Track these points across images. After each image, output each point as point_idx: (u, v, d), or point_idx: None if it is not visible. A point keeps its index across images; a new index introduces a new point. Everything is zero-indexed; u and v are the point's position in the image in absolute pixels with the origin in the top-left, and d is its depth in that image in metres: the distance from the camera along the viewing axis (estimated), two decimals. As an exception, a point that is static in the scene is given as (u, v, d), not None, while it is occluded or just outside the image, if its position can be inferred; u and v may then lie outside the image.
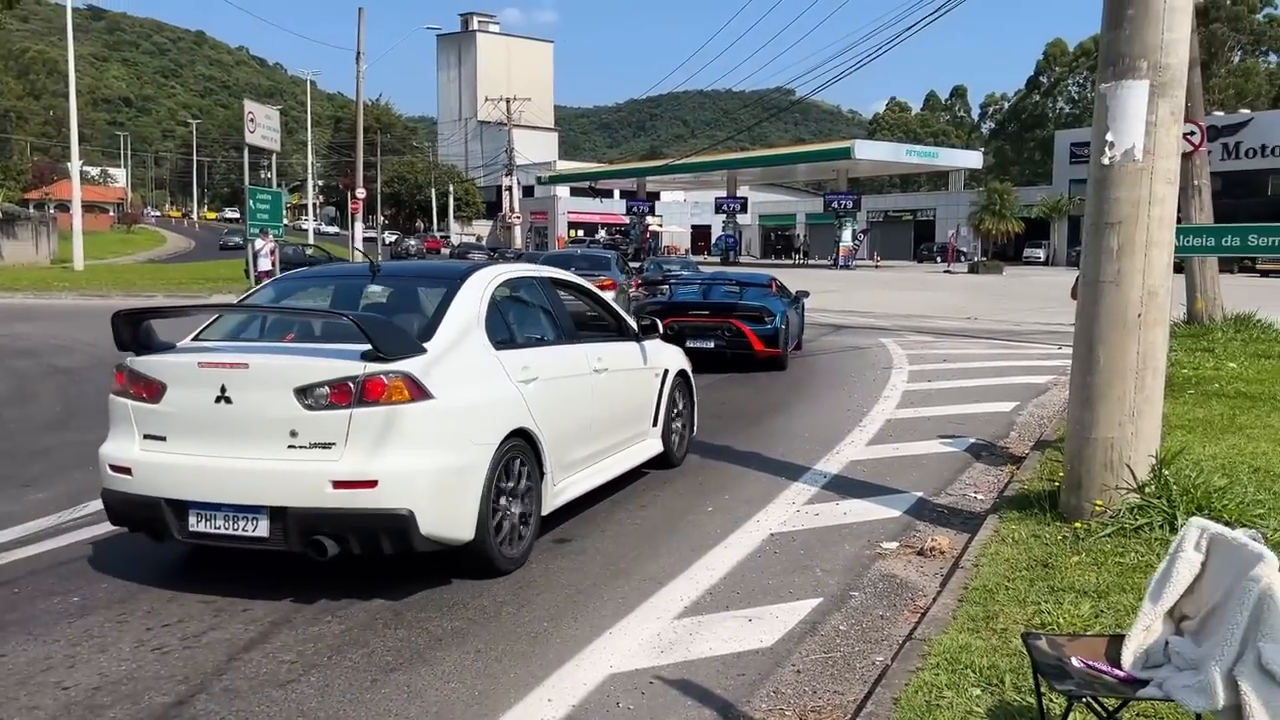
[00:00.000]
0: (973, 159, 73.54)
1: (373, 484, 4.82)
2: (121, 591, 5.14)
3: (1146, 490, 5.82)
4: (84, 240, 41.91)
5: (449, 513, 5.06)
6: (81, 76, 49.80)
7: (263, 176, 52.42)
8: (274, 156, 39.22)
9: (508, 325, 6.06)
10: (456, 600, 5.03)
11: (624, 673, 4.23)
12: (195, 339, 5.69)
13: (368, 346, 4.92)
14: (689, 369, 8.51)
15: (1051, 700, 3.36)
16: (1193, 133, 14.10)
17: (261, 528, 4.92)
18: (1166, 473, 5.90)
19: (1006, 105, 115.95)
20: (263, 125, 35.16)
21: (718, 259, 65.54)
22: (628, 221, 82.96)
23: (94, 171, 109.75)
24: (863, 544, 6.08)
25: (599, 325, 7.64)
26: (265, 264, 28.52)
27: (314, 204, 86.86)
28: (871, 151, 63.00)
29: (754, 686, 4.14)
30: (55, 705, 3.86)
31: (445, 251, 74.09)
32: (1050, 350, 16.56)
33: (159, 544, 5.50)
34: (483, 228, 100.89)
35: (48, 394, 11.73)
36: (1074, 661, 3.01)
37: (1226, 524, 3.99)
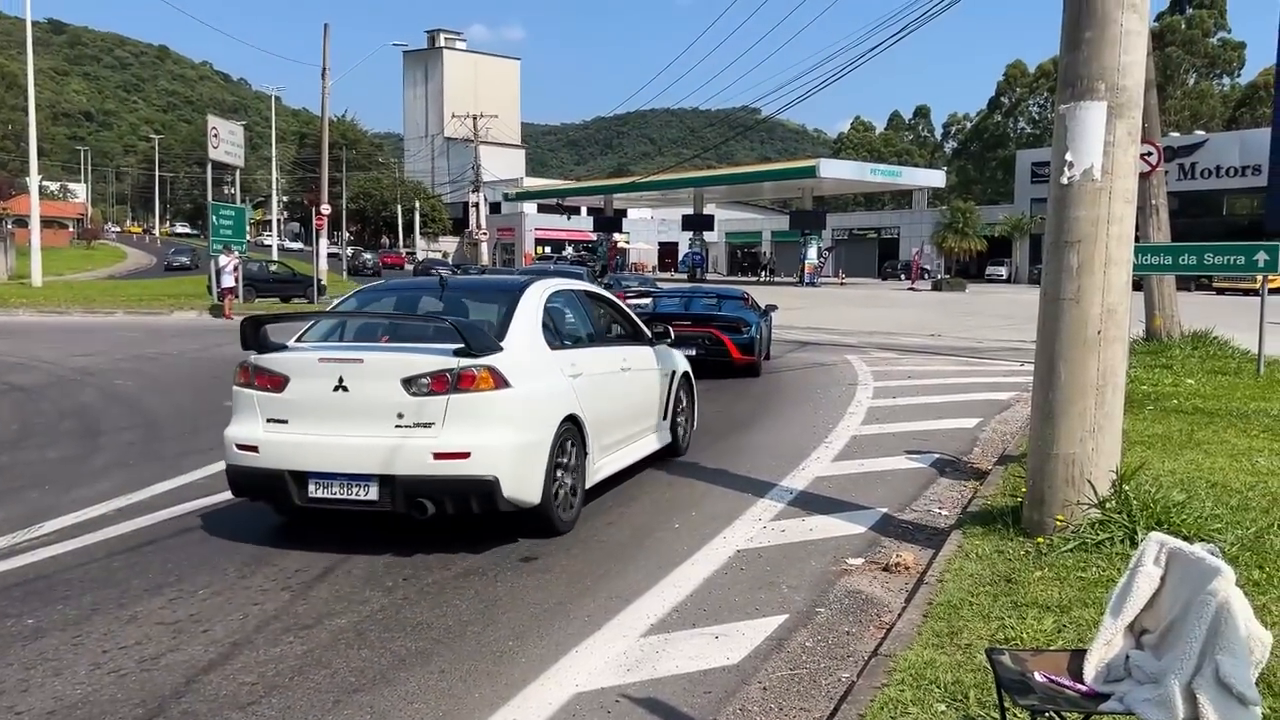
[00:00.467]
0: (936, 178, 74.44)
1: (466, 455, 5.88)
2: (77, 613, 5.04)
3: (1107, 505, 5.89)
4: (43, 256, 41.21)
5: (524, 480, 6.12)
6: (41, 90, 49.12)
7: (226, 192, 51.89)
8: (238, 172, 38.82)
9: (557, 329, 7.22)
10: (420, 620, 4.98)
11: (590, 691, 4.20)
12: (298, 340, 6.78)
13: (459, 345, 5.99)
14: (690, 372, 9.60)
15: (1015, 715, 3.38)
16: (1150, 153, 14.37)
17: (372, 493, 5.96)
18: (1127, 488, 5.97)
19: (969, 125, 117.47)
20: (226, 141, 34.87)
21: (685, 276, 65.73)
22: (595, 238, 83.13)
23: (54, 186, 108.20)
24: (829, 560, 6.10)
25: (622, 331, 8.66)
26: (229, 280, 28.25)
27: (278, 220, 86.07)
28: (836, 170, 63.60)
29: (720, 704, 4.12)
30: (7, 731, 3.78)
31: (408, 268, 73.94)
32: (1013, 367, 16.75)
33: (280, 513, 6.69)
34: (450, 244, 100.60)
35: (3, 412, 11.51)
36: (1037, 676, 3.03)
37: (1185, 538, 4.05)
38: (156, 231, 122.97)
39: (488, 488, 5.93)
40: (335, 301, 7.95)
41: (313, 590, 5.41)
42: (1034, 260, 64.71)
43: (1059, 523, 5.92)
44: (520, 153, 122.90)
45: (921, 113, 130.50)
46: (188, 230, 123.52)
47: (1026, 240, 66.87)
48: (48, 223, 69.47)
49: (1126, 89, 5.73)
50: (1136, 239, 7.09)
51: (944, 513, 7.25)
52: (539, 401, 6.39)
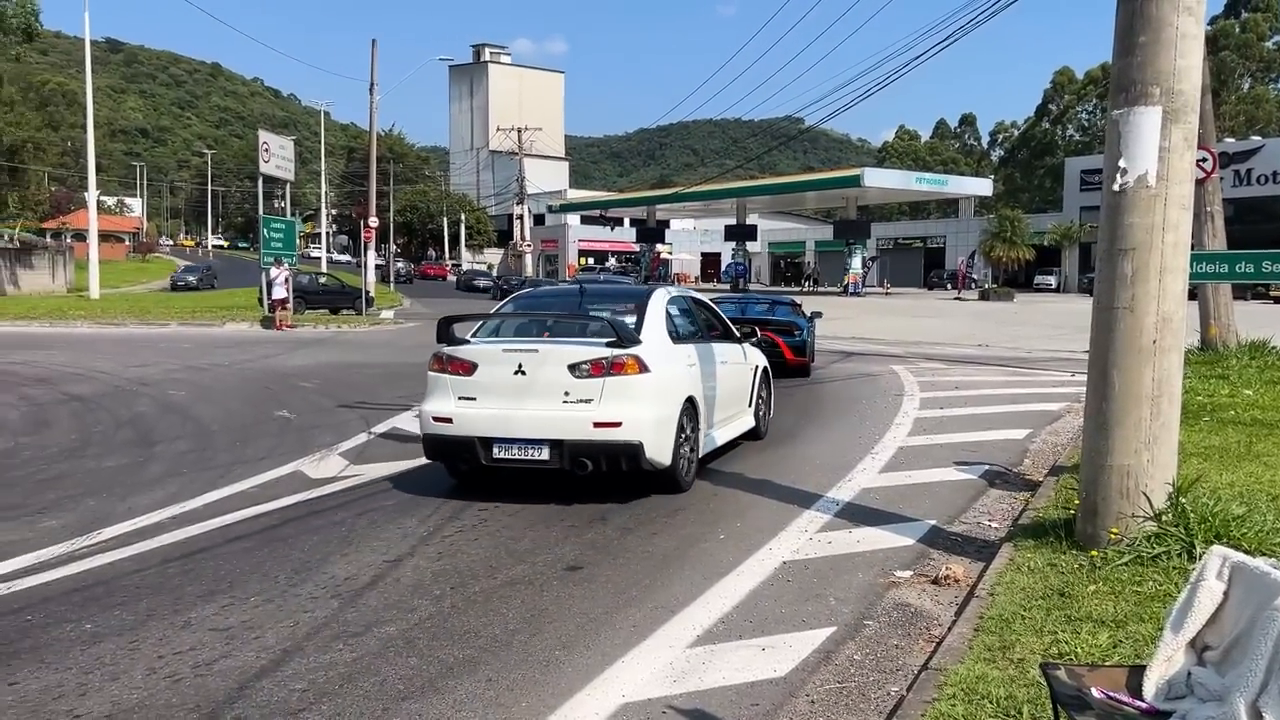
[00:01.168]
0: (983, 186, 73.59)
1: (619, 425, 7.36)
2: (134, 619, 5.13)
3: (1164, 518, 5.76)
4: (100, 269, 42.17)
5: (661, 446, 7.58)
6: (99, 108, 50.34)
7: (276, 206, 52.74)
8: (288, 186, 39.46)
9: (675, 328, 8.73)
10: (468, 628, 5.01)
11: (637, 702, 4.19)
12: (473, 336, 8.36)
13: (612, 339, 7.56)
14: (768, 367, 11.05)
15: (1071, 731, 3.31)
16: (1205, 159, 14.09)
17: (544, 454, 7.46)
18: (1184, 500, 5.84)
19: (1016, 133, 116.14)
20: (277, 155, 35.46)
21: (728, 286, 65.60)
22: (637, 249, 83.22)
23: (111, 201, 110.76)
24: (876, 572, 6.03)
25: (718, 331, 10.06)
26: (280, 291, 28.66)
27: (327, 233, 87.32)
28: (881, 179, 63.10)
29: (768, 717, 4.09)
30: (66, 734, 3.85)
31: (451, 279, 74.89)
32: (1063, 377, 16.48)
33: (466, 472, 8.24)
34: (494, 256, 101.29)
35: (62, 421, 11.78)
36: (1094, 692, 2.96)
37: (1247, 553, 3.95)
38: (209, 244, 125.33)
39: (634, 450, 7.41)
40: (499, 305, 9.50)
41: (362, 598, 5.46)
42: (1084, 269, 63.66)
43: (1113, 536, 5.80)
44: (564, 165, 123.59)
45: (967, 121, 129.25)
46: (221, 243, 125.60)
47: (1076, 249, 65.84)
48: (105, 237, 71.02)
49: (1183, 93, 5.63)
50: (1191, 247, 6.94)
51: (994, 525, 7.15)
52: (669, 384, 7.86)
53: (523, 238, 75.37)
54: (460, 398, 7.72)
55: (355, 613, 5.22)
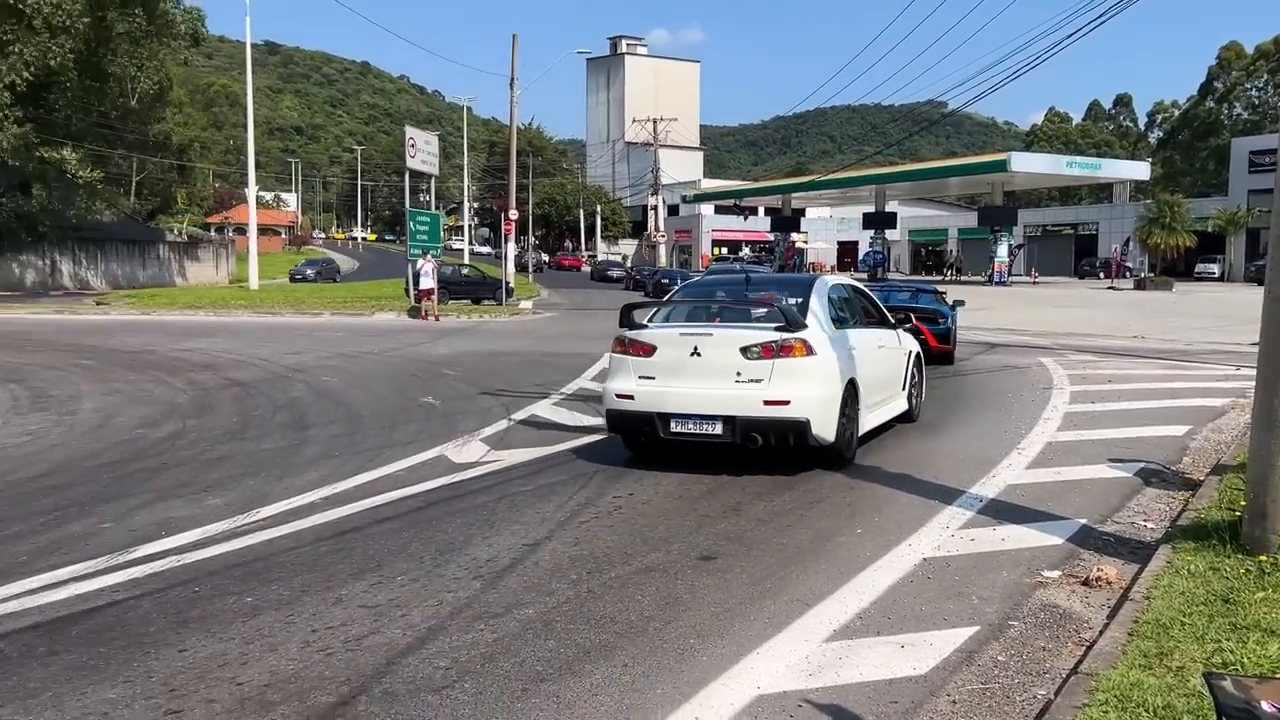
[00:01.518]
0: (1139, 170, 69.91)
1: (787, 403, 7.94)
2: (289, 594, 5.40)
3: (1342, 523, 5.37)
4: (258, 261, 44.53)
5: (826, 423, 8.12)
6: (258, 107, 52.99)
7: (421, 199, 54.47)
8: (432, 180, 40.73)
9: (837, 314, 9.21)
10: (604, 613, 5.07)
11: (772, 694, 4.17)
12: (649, 321, 9.06)
13: (780, 323, 8.16)
14: (921, 352, 11.43)
15: (1236, 746, 3.12)
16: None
17: (717, 428, 8.08)
18: (1366, 505, 5.42)
19: (1176, 113, 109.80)
20: (423, 150, 36.60)
21: (864, 275, 64.37)
22: (772, 239, 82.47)
23: (268, 197, 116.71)
24: (1022, 571, 5.82)
25: (874, 316, 10.47)
26: (428, 282, 29.61)
27: (469, 225, 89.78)
28: (1029, 164, 60.75)
29: (908, 715, 4.01)
30: (230, 699, 4.08)
31: (586, 269, 75.99)
32: (1227, 371, 15.52)
33: (630, 448, 8.99)
34: (628, 246, 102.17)
35: (225, 405, 12.49)
36: (1265, 707, 2.78)
37: None
38: (358, 236, 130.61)
39: (801, 427, 7.97)
40: (672, 292, 10.44)
41: (502, 580, 5.60)
42: (1251, 256, 59.75)
43: (1285, 540, 5.44)
44: (698, 155, 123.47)
45: (1123, 101, 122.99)
46: (366, 236, 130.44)
47: (1242, 234, 61.77)
48: (263, 230, 74.98)
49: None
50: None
51: (1150, 525, 6.80)
52: (833, 366, 8.33)
53: (657, 228, 75.78)
54: (641, 377, 8.42)
55: (496, 594, 5.36)
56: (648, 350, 8.45)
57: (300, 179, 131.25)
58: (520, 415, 11.58)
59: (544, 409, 12.11)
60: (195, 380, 14.82)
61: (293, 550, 6.22)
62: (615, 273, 65.89)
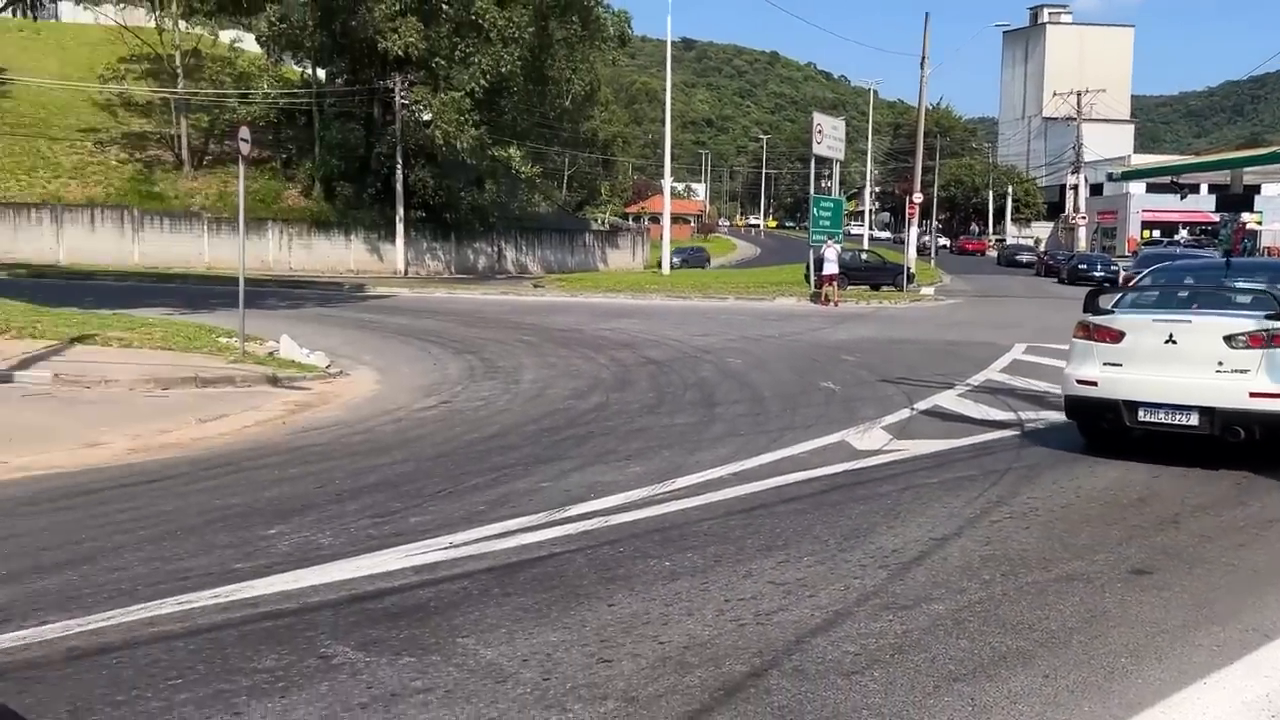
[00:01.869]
0: None
1: (1278, 396, 7.44)
2: (703, 562, 5.68)
3: None
4: (671, 248, 47.23)
5: None
6: (675, 102, 56.24)
7: (824, 185, 54.71)
8: (836, 165, 40.73)
9: None
10: (1020, 619, 4.80)
11: (1222, 732, 3.71)
12: (1115, 306, 8.79)
13: (1270, 311, 7.69)
14: None
15: None
16: None
17: (1192, 419, 7.77)
18: None
19: None
20: (829, 135, 36.70)
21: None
22: (1217, 220, 72.87)
23: (680, 187, 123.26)
24: None
25: None
26: (831, 268, 29.75)
27: (870, 210, 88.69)
28: None
29: (1404, 783, 3.38)
30: (653, 656, 4.38)
31: (991, 254, 72.02)
32: None
33: (1086, 435, 8.76)
34: (1042, 229, 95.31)
35: (641, 381, 13.41)
36: None
37: None
38: (757, 224, 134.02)
39: None
40: (1137, 278, 9.79)
41: (909, 572, 5.49)
42: None
43: None
44: (1128, 128, 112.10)
45: None
46: (762, 223, 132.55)
47: None
48: (674, 219, 79.32)
49: None
50: None
51: None
52: None
53: (1075, 209, 69.99)
54: (1105, 363, 8.22)
55: (903, 586, 5.27)
56: (1115, 336, 8.23)
57: (709, 169, 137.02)
58: (923, 405, 11.28)
59: (948, 400, 11.69)
60: (616, 358, 16.05)
61: (704, 521, 6.54)
62: (1025, 257, 61.77)
